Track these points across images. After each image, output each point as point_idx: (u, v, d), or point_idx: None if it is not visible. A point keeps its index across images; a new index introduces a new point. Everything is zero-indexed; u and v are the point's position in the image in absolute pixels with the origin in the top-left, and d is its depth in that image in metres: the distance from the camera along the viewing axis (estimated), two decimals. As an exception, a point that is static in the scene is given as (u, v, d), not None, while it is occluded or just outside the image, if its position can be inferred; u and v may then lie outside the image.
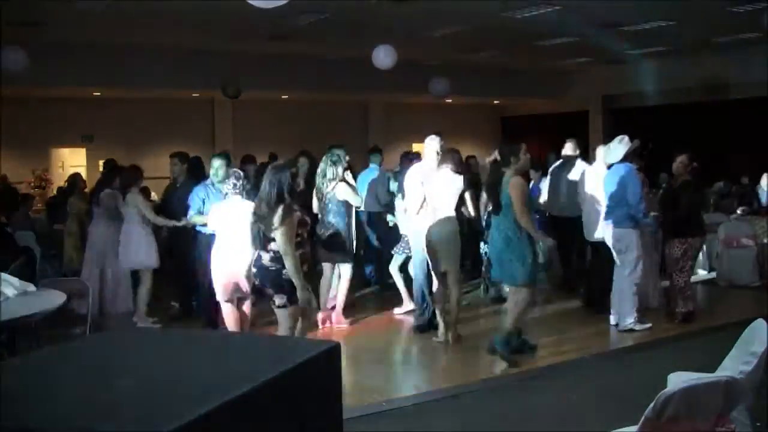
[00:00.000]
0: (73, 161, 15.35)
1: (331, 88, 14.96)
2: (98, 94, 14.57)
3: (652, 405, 2.65)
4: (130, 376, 2.04)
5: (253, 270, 5.22)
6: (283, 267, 5.05)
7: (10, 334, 5.07)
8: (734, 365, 3.11)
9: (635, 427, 2.78)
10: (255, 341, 3.02)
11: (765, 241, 9.45)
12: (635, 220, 6.93)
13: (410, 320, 7.44)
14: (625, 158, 7.03)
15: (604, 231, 7.22)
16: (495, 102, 19.77)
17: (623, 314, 7.06)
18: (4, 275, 5.05)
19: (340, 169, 7.17)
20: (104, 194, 7.92)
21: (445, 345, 6.63)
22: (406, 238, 7.60)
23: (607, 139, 13.26)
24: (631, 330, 7.00)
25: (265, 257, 5.12)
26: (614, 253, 7.08)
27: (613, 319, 7.21)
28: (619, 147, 7.09)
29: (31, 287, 5.12)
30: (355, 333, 7.29)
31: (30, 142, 14.54)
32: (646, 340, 6.90)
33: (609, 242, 7.11)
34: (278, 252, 5.05)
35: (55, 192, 13.15)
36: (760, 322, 3.28)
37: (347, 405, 3.06)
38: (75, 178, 9.68)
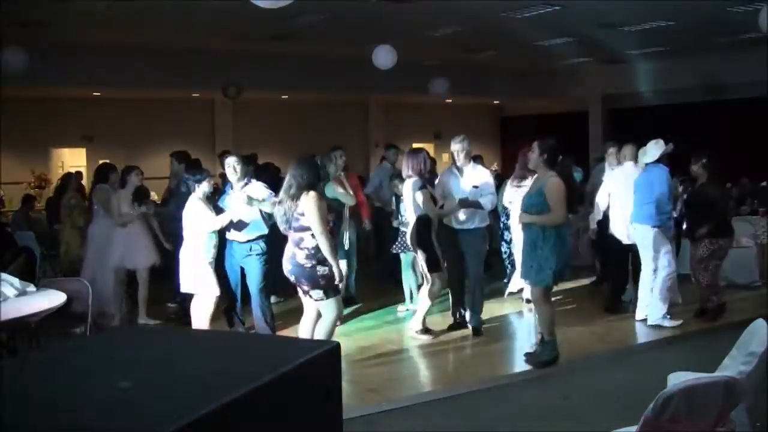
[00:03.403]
0: (73, 161, 15.33)
1: (331, 88, 14.94)
2: (98, 94, 14.56)
3: (652, 405, 2.65)
4: (130, 375, 2.04)
5: (289, 267, 5.35)
6: (318, 264, 5.21)
7: (10, 334, 5.08)
8: (734, 365, 3.11)
9: (635, 427, 2.78)
10: (255, 341, 3.02)
11: (765, 241, 9.45)
12: (659, 219, 7.06)
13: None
14: (660, 160, 7.21)
15: (629, 229, 7.36)
16: (495, 102, 19.76)
17: (651, 310, 7.18)
18: (4, 275, 5.05)
19: (332, 169, 7.48)
20: (96, 191, 7.90)
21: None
22: (404, 237, 7.51)
23: (606, 139, 13.34)
24: (659, 326, 7.09)
25: (300, 255, 5.26)
26: (640, 251, 7.24)
27: (639, 315, 7.32)
28: (654, 148, 7.23)
29: (31, 287, 5.12)
30: (356, 331, 7.29)
31: (30, 142, 14.53)
32: (646, 339, 6.91)
33: (628, 240, 7.37)
34: (312, 249, 5.21)
35: (53, 192, 13.15)
36: (760, 322, 3.29)
37: (347, 405, 3.06)
38: (69, 176, 9.65)
